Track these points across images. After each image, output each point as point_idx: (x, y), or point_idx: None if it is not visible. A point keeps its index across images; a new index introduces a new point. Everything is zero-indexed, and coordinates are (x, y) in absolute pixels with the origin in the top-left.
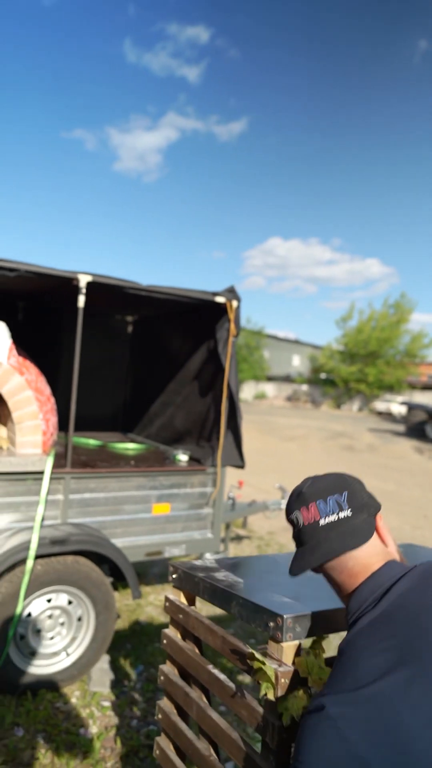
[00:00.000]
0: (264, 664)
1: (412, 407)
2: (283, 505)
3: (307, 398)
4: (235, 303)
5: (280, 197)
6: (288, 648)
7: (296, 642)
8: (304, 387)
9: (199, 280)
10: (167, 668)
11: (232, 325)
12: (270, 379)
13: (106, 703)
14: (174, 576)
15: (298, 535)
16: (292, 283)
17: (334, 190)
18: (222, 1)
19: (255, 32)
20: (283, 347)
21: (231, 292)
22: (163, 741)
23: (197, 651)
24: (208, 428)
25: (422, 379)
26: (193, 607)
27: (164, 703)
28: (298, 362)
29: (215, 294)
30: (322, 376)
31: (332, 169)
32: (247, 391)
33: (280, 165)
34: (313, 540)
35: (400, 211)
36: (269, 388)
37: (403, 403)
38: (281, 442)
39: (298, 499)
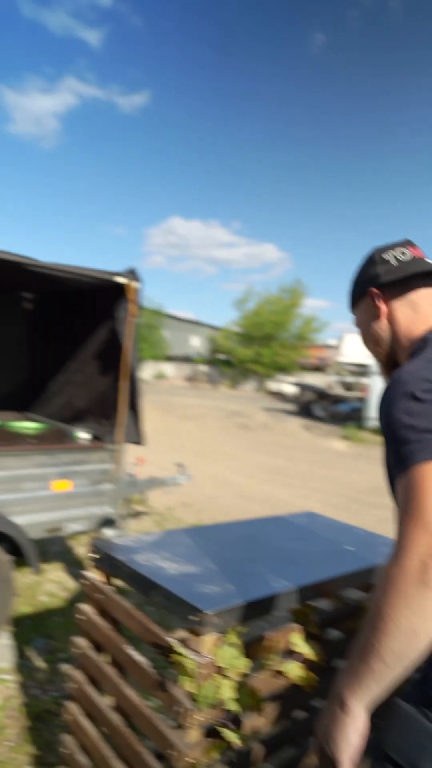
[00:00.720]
0: (183, 656)
1: (302, 387)
2: (181, 481)
3: (206, 378)
4: (135, 284)
5: (182, 176)
6: (208, 641)
7: (215, 634)
8: (203, 367)
9: (99, 255)
10: (82, 642)
11: (133, 306)
12: (170, 359)
13: (7, 677)
14: (94, 555)
15: (404, 265)
16: (193, 264)
17: (234, 173)
18: None
19: (160, 1)
20: (183, 327)
21: (131, 273)
22: (73, 707)
23: (116, 631)
24: (108, 407)
25: (312, 361)
26: (112, 588)
27: (76, 672)
28: (197, 343)
29: (115, 274)
30: (221, 356)
31: (233, 152)
32: (146, 371)
33: (182, 143)
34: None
35: (296, 200)
36: (169, 368)
37: (294, 384)
38: (180, 422)
39: (395, 244)
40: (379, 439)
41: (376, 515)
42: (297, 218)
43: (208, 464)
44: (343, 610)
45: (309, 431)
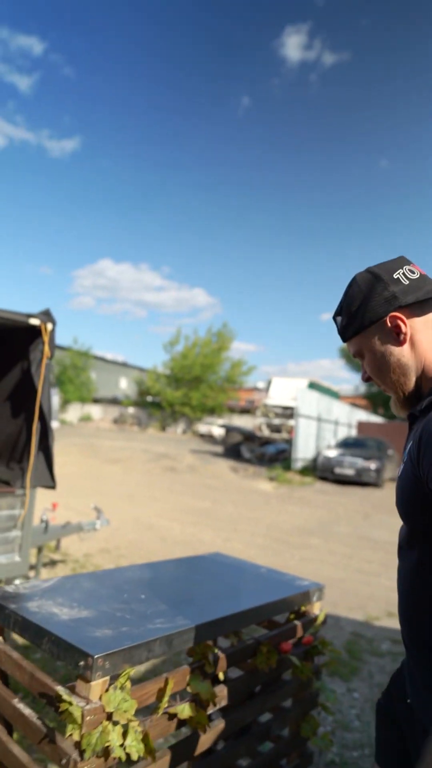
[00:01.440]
0: (71, 704)
1: (229, 429)
2: (98, 526)
3: (134, 421)
4: (50, 326)
5: (112, 220)
6: (96, 686)
7: (105, 679)
8: (131, 409)
9: (24, 295)
10: None
11: (46, 347)
12: (96, 401)
13: None
14: None
15: (418, 283)
16: (122, 306)
17: (164, 218)
18: (57, 19)
19: (91, 55)
20: (111, 369)
21: (46, 315)
22: None
23: (2, 685)
24: (18, 450)
25: (241, 403)
26: (1, 639)
27: None
28: (125, 385)
29: (30, 316)
30: (149, 398)
31: (163, 198)
32: (72, 413)
33: (113, 188)
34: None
35: (226, 246)
36: (95, 410)
37: (222, 426)
38: (104, 465)
39: (397, 262)
40: (303, 480)
41: (299, 555)
42: (227, 264)
43: (131, 508)
44: (242, 648)
45: (236, 473)
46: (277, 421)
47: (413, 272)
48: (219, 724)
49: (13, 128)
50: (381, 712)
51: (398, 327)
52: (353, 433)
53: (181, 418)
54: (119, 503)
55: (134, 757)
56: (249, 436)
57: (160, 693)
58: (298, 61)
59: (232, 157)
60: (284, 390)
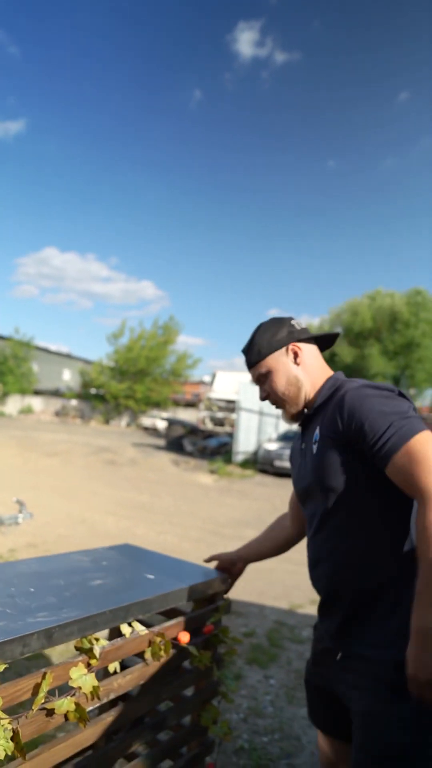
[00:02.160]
0: None
1: (172, 422)
2: (20, 520)
3: (77, 413)
4: None
5: (58, 207)
6: None
7: None
8: (74, 402)
9: None
10: None
11: None
12: (38, 392)
13: None
14: None
15: (304, 328)
16: (67, 296)
17: (113, 208)
18: None
19: (38, 35)
20: (54, 360)
21: None
22: None
23: None
24: None
25: (187, 396)
26: None
27: None
28: (68, 377)
29: None
30: (93, 391)
31: (112, 187)
32: (11, 405)
33: (59, 174)
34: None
35: (175, 240)
36: (37, 402)
37: (165, 419)
38: (42, 458)
39: (289, 318)
40: (243, 473)
41: (231, 546)
42: (176, 258)
43: (65, 502)
44: (132, 640)
45: (177, 466)
46: (220, 415)
47: (299, 324)
48: (107, 717)
49: None
50: (310, 684)
51: (294, 353)
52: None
53: (125, 411)
54: (53, 497)
55: (0, 755)
56: (192, 430)
57: (37, 688)
58: (250, 57)
59: (184, 148)
60: (228, 384)
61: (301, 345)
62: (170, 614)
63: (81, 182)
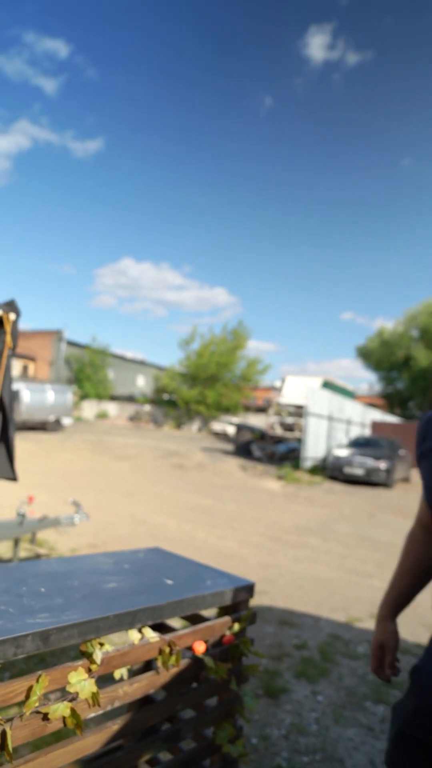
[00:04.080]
0: None
1: (241, 428)
2: (77, 520)
3: (149, 418)
4: (12, 316)
5: (134, 219)
6: None
7: None
8: (147, 407)
9: (47, 293)
10: None
11: (8, 338)
12: (113, 398)
13: None
14: None
15: None
16: (143, 305)
17: (186, 217)
18: (82, 20)
19: (114, 56)
20: (129, 367)
21: (9, 305)
22: None
23: None
24: None
25: (258, 402)
26: None
27: None
28: (143, 382)
29: None
30: (165, 396)
31: (185, 197)
32: (88, 410)
33: (135, 187)
34: None
35: (248, 246)
36: (112, 408)
37: (234, 424)
38: (113, 461)
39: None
40: (312, 480)
41: (292, 554)
42: (248, 264)
43: (130, 504)
44: (140, 647)
45: (244, 471)
46: (289, 420)
47: None
48: (113, 726)
49: (38, 130)
50: (407, 735)
51: None
52: (367, 432)
53: (196, 417)
54: (119, 499)
55: None
56: (261, 435)
57: (30, 692)
58: (321, 61)
59: (255, 156)
60: (298, 389)
61: None
62: (191, 621)
63: (154, 194)
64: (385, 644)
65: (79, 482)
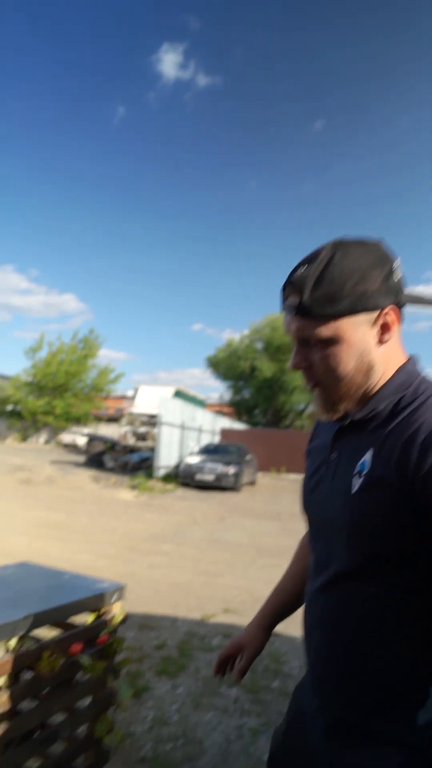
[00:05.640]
0: None
1: (92, 438)
2: None
3: None
4: None
5: None
6: None
7: None
8: None
9: None
10: None
11: None
12: None
13: None
14: None
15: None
16: None
17: (32, 218)
18: None
19: None
20: None
21: None
22: None
23: None
24: None
25: (109, 412)
26: None
27: None
28: None
29: None
30: (9, 407)
31: (33, 197)
32: None
33: None
34: None
35: (99, 252)
36: None
37: (85, 435)
38: None
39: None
40: (165, 488)
41: (148, 561)
42: (99, 271)
43: None
44: (22, 654)
45: (97, 482)
46: (142, 429)
47: (402, 270)
48: None
49: None
50: (276, 765)
51: (388, 325)
52: (217, 439)
53: (44, 428)
54: None
55: None
56: (113, 445)
57: None
58: (173, 78)
59: (106, 163)
60: (151, 398)
61: (396, 314)
62: (66, 627)
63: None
64: (245, 648)
65: None
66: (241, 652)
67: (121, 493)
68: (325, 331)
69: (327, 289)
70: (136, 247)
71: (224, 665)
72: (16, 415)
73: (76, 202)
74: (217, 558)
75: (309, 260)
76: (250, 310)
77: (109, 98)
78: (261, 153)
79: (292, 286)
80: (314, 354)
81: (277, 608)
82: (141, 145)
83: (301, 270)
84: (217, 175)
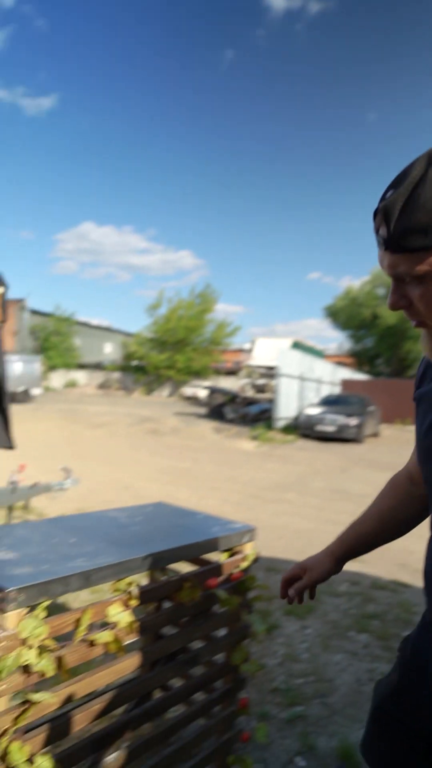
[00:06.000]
0: None
1: (213, 391)
2: (67, 486)
3: (119, 385)
4: (1, 289)
5: (93, 181)
6: (11, 616)
7: (21, 610)
8: (116, 374)
9: (5, 261)
10: None
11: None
12: (81, 366)
13: None
14: None
15: None
16: (106, 270)
17: (148, 179)
18: None
19: (63, 6)
20: (95, 334)
21: None
22: None
23: None
24: None
25: (227, 365)
26: None
27: None
28: (110, 349)
29: None
30: (134, 363)
31: (146, 158)
32: (56, 380)
33: (92, 148)
34: None
35: (213, 207)
36: (80, 376)
37: (206, 388)
38: (87, 430)
39: None
40: (285, 439)
41: (272, 509)
42: (213, 226)
43: (110, 470)
44: (165, 583)
45: (219, 433)
46: (261, 381)
47: None
48: (144, 651)
49: None
50: (384, 712)
51: None
52: (337, 391)
53: (166, 382)
54: (99, 466)
55: (49, 673)
56: (232, 397)
57: (78, 622)
58: (282, 10)
59: (217, 113)
60: (268, 350)
61: None
62: (201, 563)
63: (114, 155)
64: (309, 571)
65: (58, 451)
66: (304, 575)
67: (242, 443)
68: (421, 266)
69: (419, 216)
70: (249, 199)
71: (287, 586)
72: (141, 370)
73: (189, 156)
74: (340, 508)
75: (398, 181)
76: (371, 255)
77: (214, 42)
78: (382, 82)
79: (380, 214)
80: (412, 291)
81: (353, 542)
82: (253, 87)
83: (390, 194)
84: (333, 109)
